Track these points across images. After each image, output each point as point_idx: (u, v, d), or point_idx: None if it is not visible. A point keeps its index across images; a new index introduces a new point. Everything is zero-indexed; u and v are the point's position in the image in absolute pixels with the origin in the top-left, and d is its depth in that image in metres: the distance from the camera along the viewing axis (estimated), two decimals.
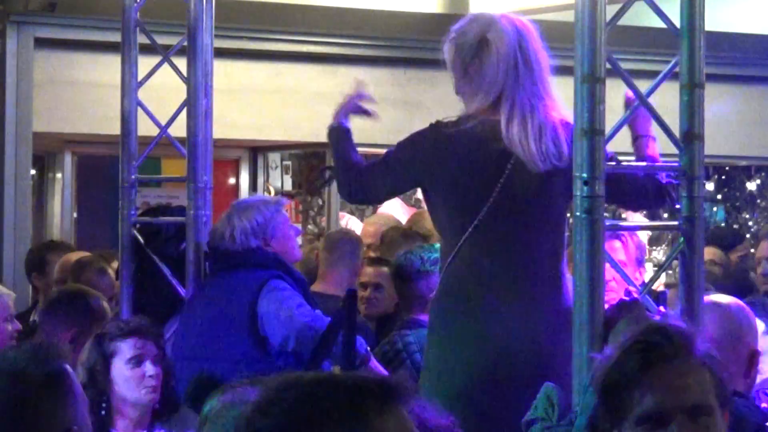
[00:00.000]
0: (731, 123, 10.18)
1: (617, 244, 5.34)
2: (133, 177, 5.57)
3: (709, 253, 7.63)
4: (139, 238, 5.52)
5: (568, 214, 4.38)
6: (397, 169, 4.63)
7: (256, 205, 5.30)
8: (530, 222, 4.43)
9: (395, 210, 10.52)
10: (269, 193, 10.32)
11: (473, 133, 4.43)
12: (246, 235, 5.19)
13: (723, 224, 12.54)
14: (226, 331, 5.06)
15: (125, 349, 4.64)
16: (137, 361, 4.64)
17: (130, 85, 5.59)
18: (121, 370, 4.64)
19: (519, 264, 4.41)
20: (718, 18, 9.30)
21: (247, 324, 5.02)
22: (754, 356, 4.25)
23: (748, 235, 11.44)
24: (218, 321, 5.10)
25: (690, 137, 4.18)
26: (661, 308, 4.19)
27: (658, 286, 6.70)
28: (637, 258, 5.58)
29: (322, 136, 9.46)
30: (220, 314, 5.11)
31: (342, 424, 1.92)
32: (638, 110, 4.31)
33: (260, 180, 10.37)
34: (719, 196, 12.67)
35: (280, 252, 5.22)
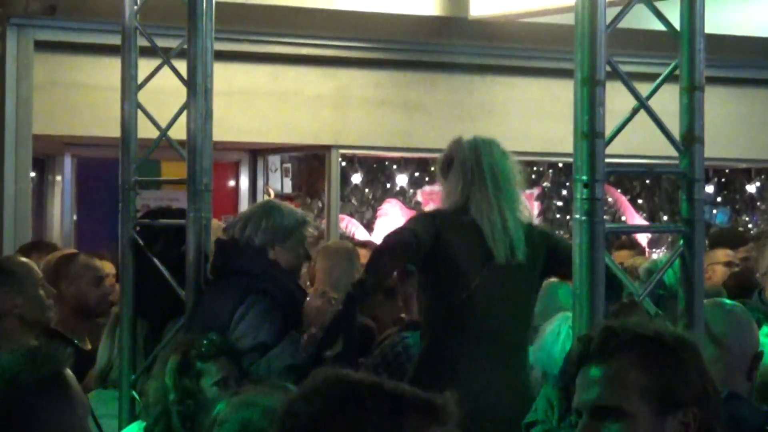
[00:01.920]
0: (731, 126, 10.18)
1: None
2: (133, 179, 5.57)
3: (722, 255, 7.64)
4: (139, 240, 5.52)
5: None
6: (419, 230, 5.05)
7: (283, 208, 5.34)
8: (507, 299, 5.04)
9: (395, 213, 10.54)
10: (269, 195, 10.32)
11: (468, 226, 5.06)
12: (255, 231, 5.20)
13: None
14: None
15: (213, 371, 4.51)
16: (224, 383, 4.50)
17: (130, 88, 5.58)
18: (208, 392, 4.48)
19: (500, 330, 5.02)
20: (717, 21, 9.30)
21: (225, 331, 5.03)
22: (757, 358, 4.25)
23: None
24: (204, 324, 5.12)
25: (690, 140, 4.18)
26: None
27: None
28: None
29: (322, 139, 9.58)
30: (205, 318, 5.12)
31: (378, 429, 1.92)
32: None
33: (260, 182, 10.37)
34: (719, 199, 12.68)
35: (282, 261, 5.22)
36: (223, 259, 5.26)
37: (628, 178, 12.17)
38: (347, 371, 1.98)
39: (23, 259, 5.72)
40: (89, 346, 5.96)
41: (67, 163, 9.81)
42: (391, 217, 10.58)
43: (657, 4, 4.28)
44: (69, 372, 2.68)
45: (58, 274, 6.14)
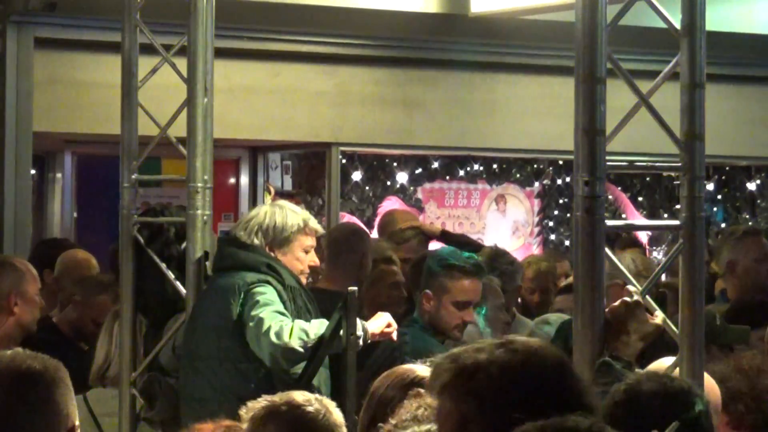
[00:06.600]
0: (732, 123, 10.17)
1: None
2: (133, 177, 5.57)
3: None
4: (140, 238, 5.52)
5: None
6: None
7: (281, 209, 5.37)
8: None
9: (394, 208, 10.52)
10: (269, 193, 10.32)
11: None
12: (255, 231, 5.25)
13: (723, 225, 12.54)
14: (214, 330, 5.11)
15: None
16: None
17: (130, 85, 5.59)
18: None
19: None
20: (718, 18, 9.29)
21: (230, 325, 5.06)
22: None
23: None
24: (207, 320, 5.15)
25: (691, 137, 4.18)
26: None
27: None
28: None
29: (322, 136, 9.57)
30: (208, 314, 5.16)
31: None
32: None
33: (260, 180, 10.36)
34: (719, 196, 12.67)
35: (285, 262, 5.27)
36: (223, 256, 5.28)
37: (629, 176, 12.16)
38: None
39: (23, 260, 5.75)
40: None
41: (68, 160, 9.80)
42: None
43: (658, 1, 4.28)
44: (64, 372, 2.67)
45: None
